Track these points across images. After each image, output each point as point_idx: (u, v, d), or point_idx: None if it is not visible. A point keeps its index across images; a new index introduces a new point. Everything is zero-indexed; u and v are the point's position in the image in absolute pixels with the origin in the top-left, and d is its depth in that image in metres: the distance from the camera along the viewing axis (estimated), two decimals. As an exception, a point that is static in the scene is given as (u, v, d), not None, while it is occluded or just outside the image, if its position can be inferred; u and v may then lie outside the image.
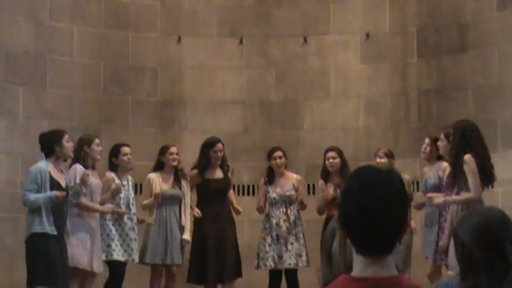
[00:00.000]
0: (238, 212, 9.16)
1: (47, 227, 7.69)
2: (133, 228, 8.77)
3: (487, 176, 7.38)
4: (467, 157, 7.25)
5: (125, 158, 8.87)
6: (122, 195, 8.71)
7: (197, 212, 8.93)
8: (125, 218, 8.74)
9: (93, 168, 8.51)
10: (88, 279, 8.35)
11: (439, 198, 7.69)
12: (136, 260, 8.77)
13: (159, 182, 8.99)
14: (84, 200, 8.26)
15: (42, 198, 7.68)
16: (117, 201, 8.70)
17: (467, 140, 7.34)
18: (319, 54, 11.31)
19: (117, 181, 8.62)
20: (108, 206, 8.50)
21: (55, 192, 7.71)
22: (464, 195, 7.31)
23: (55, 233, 7.71)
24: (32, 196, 7.69)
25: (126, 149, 8.92)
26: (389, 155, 9.13)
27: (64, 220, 7.94)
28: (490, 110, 9.97)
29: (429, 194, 7.91)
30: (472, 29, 10.31)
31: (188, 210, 9.10)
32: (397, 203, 2.25)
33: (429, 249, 8.16)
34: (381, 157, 9.09)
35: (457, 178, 7.34)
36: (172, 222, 8.97)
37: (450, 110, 10.32)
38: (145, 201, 9.03)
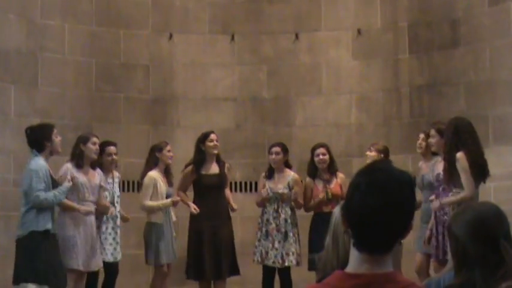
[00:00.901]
0: (232, 210, 9.10)
1: (50, 224, 7.56)
2: (112, 228, 8.65)
3: (480, 172, 7.40)
4: (459, 155, 7.28)
5: (109, 158, 8.72)
6: (106, 192, 8.57)
7: (194, 208, 8.81)
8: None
9: (93, 167, 8.28)
10: (80, 278, 8.20)
11: (436, 202, 7.71)
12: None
13: (162, 181, 8.91)
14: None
15: (59, 192, 7.59)
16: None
17: (460, 136, 7.37)
18: (311, 51, 11.30)
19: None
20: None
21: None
22: (458, 196, 7.34)
23: (54, 231, 7.62)
24: (48, 195, 7.53)
25: (111, 149, 8.75)
26: (382, 151, 8.93)
27: (54, 219, 7.81)
28: (482, 106, 9.98)
29: (431, 197, 7.90)
30: (463, 25, 10.32)
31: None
32: (403, 208, 2.21)
33: (427, 245, 8.10)
34: (371, 150, 8.98)
35: (451, 175, 7.37)
36: (172, 221, 8.96)
37: (442, 106, 10.34)
38: (157, 203, 8.78)
